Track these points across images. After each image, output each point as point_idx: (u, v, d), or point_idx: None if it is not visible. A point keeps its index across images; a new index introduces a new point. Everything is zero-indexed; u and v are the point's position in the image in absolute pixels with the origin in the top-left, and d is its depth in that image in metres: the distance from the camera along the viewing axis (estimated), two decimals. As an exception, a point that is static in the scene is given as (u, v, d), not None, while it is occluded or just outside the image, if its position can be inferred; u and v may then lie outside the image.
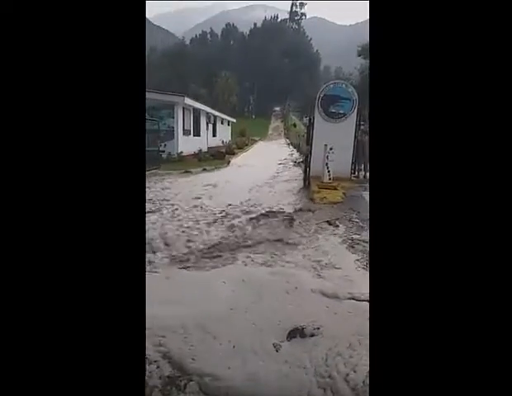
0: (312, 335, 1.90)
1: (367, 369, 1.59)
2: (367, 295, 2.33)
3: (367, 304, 2.22)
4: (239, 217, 4.89)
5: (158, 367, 1.66)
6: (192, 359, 1.71)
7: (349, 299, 2.36)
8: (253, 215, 4.96)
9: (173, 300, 2.29)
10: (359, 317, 2.08)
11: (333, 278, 2.72)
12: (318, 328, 1.95)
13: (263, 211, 5.22)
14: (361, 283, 2.57)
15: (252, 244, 3.67)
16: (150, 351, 1.73)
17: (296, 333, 1.91)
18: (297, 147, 18.70)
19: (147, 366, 1.63)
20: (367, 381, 1.54)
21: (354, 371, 1.63)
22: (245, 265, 3.07)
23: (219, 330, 1.95)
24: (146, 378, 1.56)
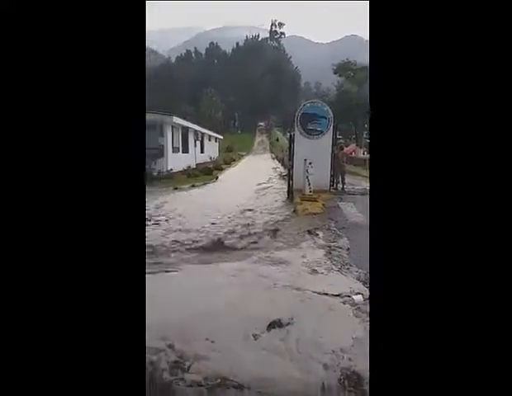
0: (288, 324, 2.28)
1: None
2: (337, 292, 2.76)
3: (337, 298, 2.65)
4: (230, 227, 5.30)
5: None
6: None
7: (323, 294, 2.77)
8: (242, 227, 5.39)
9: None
10: (328, 309, 2.50)
11: (311, 278, 3.14)
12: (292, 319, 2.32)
13: (251, 222, 5.66)
14: (333, 283, 3.01)
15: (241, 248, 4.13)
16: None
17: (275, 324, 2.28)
18: (281, 161, 19.31)
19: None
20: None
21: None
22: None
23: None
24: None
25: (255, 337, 2.15)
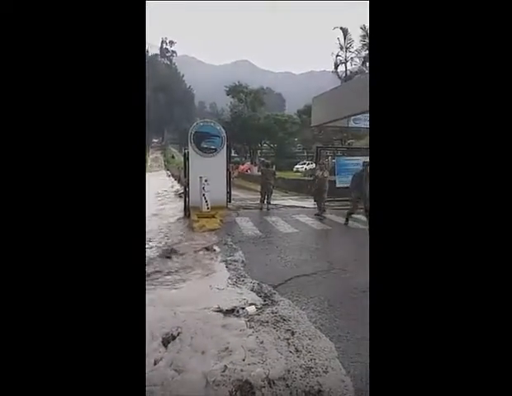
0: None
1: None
2: (232, 305, 2.80)
3: (232, 312, 2.68)
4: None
5: None
6: None
7: (217, 311, 2.75)
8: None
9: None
10: (221, 324, 2.51)
11: (207, 295, 3.10)
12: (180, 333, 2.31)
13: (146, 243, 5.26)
14: (228, 297, 3.03)
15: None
16: None
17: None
18: (178, 178, 18.87)
19: None
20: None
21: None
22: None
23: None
24: None
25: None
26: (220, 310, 2.72)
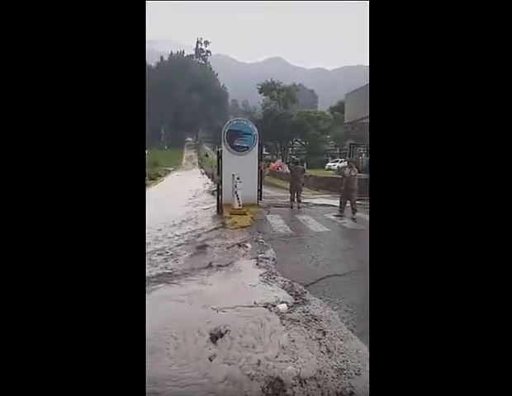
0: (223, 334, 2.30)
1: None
2: (264, 302, 2.83)
3: (264, 309, 2.71)
4: (158, 245, 5.01)
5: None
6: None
7: (251, 306, 2.80)
8: (170, 244, 5.15)
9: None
10: (256, 320, 2.54)
11: (241, 291, 3.16)
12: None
13: (180, 239, 5.46)
14: (261, 293, 3.07)
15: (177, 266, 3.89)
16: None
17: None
18: (211, 176, 19.32)
19: None
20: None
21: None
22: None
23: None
24: None
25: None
26: (256, 306, 2.76)
